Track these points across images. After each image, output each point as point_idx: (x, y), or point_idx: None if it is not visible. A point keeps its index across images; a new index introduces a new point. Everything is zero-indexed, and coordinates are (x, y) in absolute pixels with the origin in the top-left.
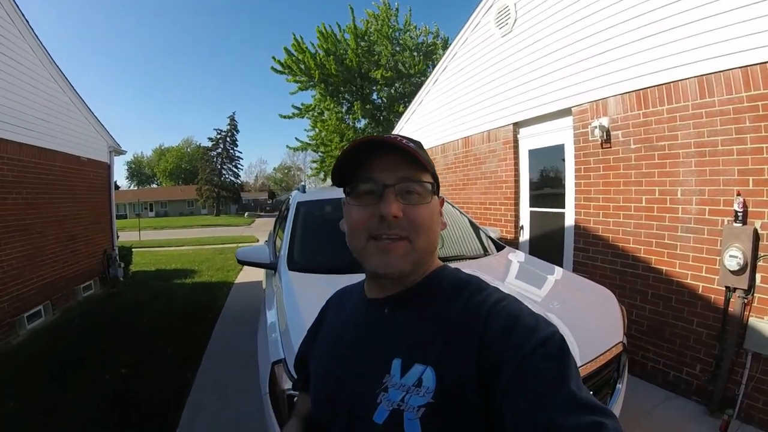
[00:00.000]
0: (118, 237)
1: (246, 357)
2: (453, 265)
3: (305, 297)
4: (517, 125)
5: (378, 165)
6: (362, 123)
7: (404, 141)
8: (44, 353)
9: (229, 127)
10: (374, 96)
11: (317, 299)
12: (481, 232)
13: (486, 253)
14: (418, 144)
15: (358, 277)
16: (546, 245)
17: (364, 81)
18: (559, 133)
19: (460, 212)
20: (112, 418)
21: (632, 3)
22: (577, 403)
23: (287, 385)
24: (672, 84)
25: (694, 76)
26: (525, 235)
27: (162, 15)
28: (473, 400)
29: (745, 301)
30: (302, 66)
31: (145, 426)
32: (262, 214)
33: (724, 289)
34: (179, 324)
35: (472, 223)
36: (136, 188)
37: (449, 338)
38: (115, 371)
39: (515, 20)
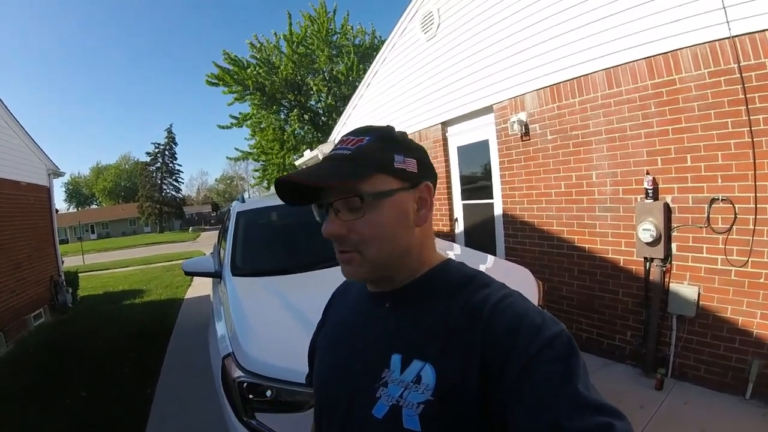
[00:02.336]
0: (63, 262)
1: (201, 367)
2: None
3: (247, 297)
4: (445, 124)
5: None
6: (302, 130)
7: (331, 166)
8: (4, 384)
9: (167, 140)
10: (312, 102)
11: (258, 298)
12: None
13: None
14: (379, 134)
15: (295, 278)
16: (480, 234)
17: (301, 88)
18: (484, 129)
19: None
20: None
21: (544, 5)
22: (584, 404)
23: (237, 374)
24: (582, 77)
25: (602, 69)
26: (460, 227)
27: (90, 27)
28: (475, 400)
29: (664, 269)
30: (236, 77)
31: None
32: (207, 227)
33: (642, 260)
34: (134, 343)
35: None
36: (75, 210)
37: (450, 335)
38: (76, 395)
39: (438, 25)
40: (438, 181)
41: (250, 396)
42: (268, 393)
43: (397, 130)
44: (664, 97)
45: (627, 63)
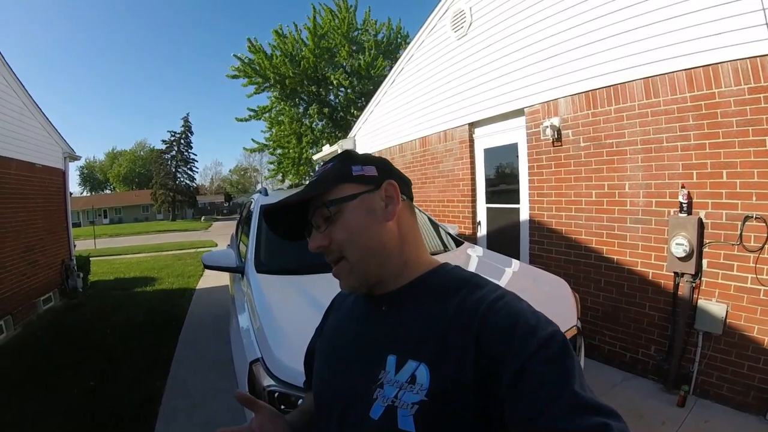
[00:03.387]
0: (75, 246)
1: (214, 360)
2: None
3: (275, 297)
4: (473, 125)
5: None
6: (320, 124)
7: (310, 189)
8: (9, 369)
9: (183, 128)
10: (331, 97)
11: (286, 299)
12: (440, 229)
13: (446, 249)
14: (340, 157)
15: (324, 278)
16: (503, 239)
17: (320, 82)
18: (513, 133)
19: (419, 210)
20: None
21: (582, 9)
22: (581, 404)
23: (266, 382)
24: (620, 85)
25: (641, 78)
26: (482, 231)
27: (111, 15)
28: (469, 401)
29: (693, 284)
30: (257, 68)
31: None
32: (219, 217)
33: (672, 274)
34: (144, 333)
35: (431, 221)
36: (89, 194)
37: (445, 336)
38: (84, 384)
39: (470, 24)
40: (462, 183)
41: (282, 407)
42: (300, 403)
43: (422, 128)
44: (703, 110)
45: (666, 73)
